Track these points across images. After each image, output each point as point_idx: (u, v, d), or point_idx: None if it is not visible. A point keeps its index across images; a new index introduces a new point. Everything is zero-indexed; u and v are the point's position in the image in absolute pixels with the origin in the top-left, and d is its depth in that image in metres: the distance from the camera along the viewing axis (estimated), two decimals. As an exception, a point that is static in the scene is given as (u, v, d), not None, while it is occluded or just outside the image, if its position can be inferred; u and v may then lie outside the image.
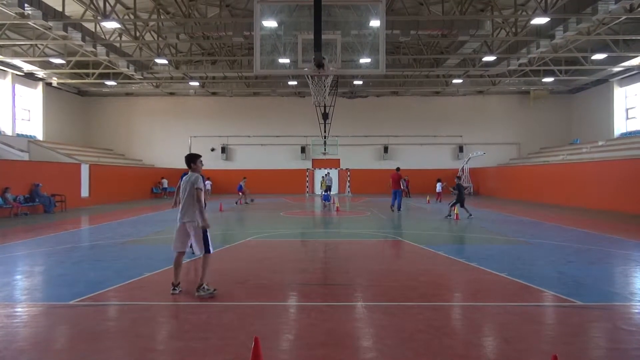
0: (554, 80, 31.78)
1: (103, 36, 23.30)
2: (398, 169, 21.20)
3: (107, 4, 19.51)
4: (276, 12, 15.73)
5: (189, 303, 6.01)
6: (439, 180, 28.41)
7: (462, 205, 17.26)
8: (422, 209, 21.52)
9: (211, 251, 6.37)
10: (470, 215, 17.08)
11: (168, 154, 37.44)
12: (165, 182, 32.80)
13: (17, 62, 26.60)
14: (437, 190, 28.03)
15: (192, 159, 6.68)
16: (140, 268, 7.86)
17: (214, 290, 6.17)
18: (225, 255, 9.52)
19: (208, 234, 6.33)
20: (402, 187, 20.13)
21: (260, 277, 7.32)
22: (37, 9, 18.06)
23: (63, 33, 20.07)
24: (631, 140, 26.20)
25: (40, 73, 29.15)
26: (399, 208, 19.56)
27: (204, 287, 6.13)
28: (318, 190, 34.87)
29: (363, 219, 17.26)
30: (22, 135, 28.95)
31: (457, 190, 17.54)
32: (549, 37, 21.53)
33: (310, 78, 18.95)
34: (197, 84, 33.12)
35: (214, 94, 37.40)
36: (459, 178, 18.67)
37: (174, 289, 6.24)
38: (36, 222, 16.14)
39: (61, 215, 18.86)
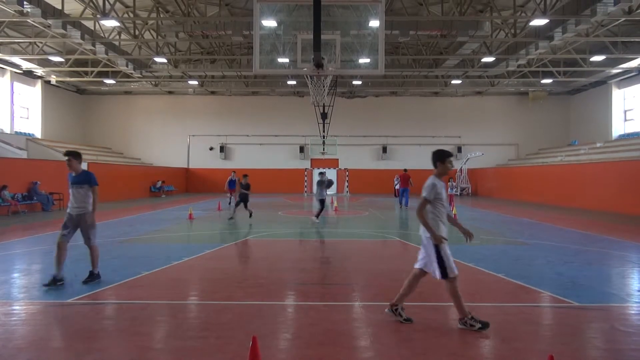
0: (553, 81, 31.85)
1: (102, 34, 23.28)
2: (406, 170, 23.66)
3: (106, 3, 19.50)
4: (275, 11, 15.71)
5: (187, 302, 6.02)
6: (450, 180, 25.39)
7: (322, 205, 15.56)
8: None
9: (449, 275, 4.85)
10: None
11: (166, 153, 37.44)
12: (159, 183, 32.55)
13: (15, 59, 26.58)
14: (449, 192, 24.76)
15: (439, 157, 5.14)
16: (138, 267, 7.86)
17: (482, 326, 4.79)
18: (223, 255, 9.53)
19: (442, 252, 4.87)
20: (409, 186, 22.34)
21: (258, 276, 7.32)
22: (36, 6, 18.05)
23: (62, 31, 20.05)
24: (629, 141, 26.27)
25: (39, 71, 29.11)
26: (406, 204, 21.82)
27: (467, 321, 4.86)
28: (315, 189, 34.90)
29: (361, 218, 17.28)
30: (21, 133, 28.89)
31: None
32: (548, 39, 21.59)
33: (309, 78, 18.97)
34: (196, 82, 33.11)
35: (213, 93, 37.38)
36: (323, 174, 16.19)
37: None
38: (34, 220, 16.12)
39: (59, 214, 18.82)
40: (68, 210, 6.94)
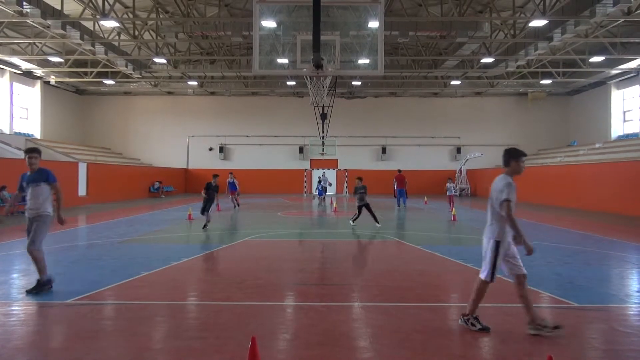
0: (552, 82, 31.88)
1: (102, 35, 23.27)
2: (400, 170, 24.17)
3: (105, 3, 19.48)
4: (275, 12, 15.71)
5: (186, 303, 6.02)
6: (449, 180, 21.76)
7: (369, 210, 14.77)
8: (420, 210, 21.56)
9: (493, 279, 4.77)
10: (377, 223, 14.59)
11: (166, 153, 37.42)
12: (157, 184, 32.44)
13: (15, 60, 26.55)
14: (449, 194, 20.50)
15: (513, 155, 4.89)
16: (137, 267, 7.86)
17: (482, 328, 4.74)
18: (222, 255, 9.53)
19: (500, 255, 4.73)
20: (404, 186, 22.88)
21: (257, 277, 7.32)
22: (35, 7, 18.02)
23: (61, 31, 20.03)
24: (628, 142, 26.30)
25: (39, 71, 29.09)
26: (404, 203, 22.41)
27: (470, 319, 4.81)
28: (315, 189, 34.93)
29: (360, 219, 17.25)
30: (20, 133, 28.87)
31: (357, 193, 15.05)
32: (547, 40, 21.60)
33: (308, 78, 18.96)
34: (195, 83, 33.10)
35: (212, 93, 37.38)
36: (360, 179, 15.53)
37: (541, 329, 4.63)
38: (33, 220, 16.08)
39: (58, 214, 18.78)
40: (26, 214, 6.35)
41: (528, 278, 7.01)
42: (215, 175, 14.58)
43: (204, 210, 13.61)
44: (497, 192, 4.78)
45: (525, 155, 4.99)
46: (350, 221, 14.83)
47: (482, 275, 4.81)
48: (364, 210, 14.81)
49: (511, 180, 4.77)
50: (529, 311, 4.69)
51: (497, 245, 4.72)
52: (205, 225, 13.39)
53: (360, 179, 15.46)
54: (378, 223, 14.44)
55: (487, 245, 4.81)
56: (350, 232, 13.41)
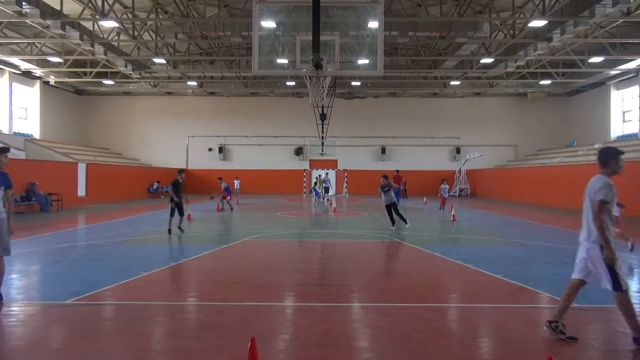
0: (551, 82, 31.89)
1: (101, 35, 23.25)
2: (398, 171, 25.04)
3: (105, 3, 19.45)
4: (275, 12, 15.69)
5: (186, 303, 6.02)
6: (444, 181, 21.33)
7: (396, 212, 14.28)
8: (419, 210, 21.55)
9: (622, 287, 4.30)
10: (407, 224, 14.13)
11: (165, 154, 37.40)
12: (155, 185, 32.37)
13: (14, 60, 26.53)
14: (443, 195, 20.44)
15: (613, 154, 4.70)
16: (137, 268, 7.85)
17: (570, 337, 4.50)
18: (222, 256, 9.52)
19: (616, 267, 4.33)
20: (401, 187, 23.78)
21: (257, 277, 7.32)
22: (35, 7, 17.99)
23: (61, 32, 20.00)
24: (627, 142, 26.30)
25: (38, 71, 29.07)
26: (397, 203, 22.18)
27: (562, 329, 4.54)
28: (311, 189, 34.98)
29: (360, 219, 17.29)
30: (19, 133, 28.83)
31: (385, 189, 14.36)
32: (547, 40, 21.60)
33: (308, 79, 18.92)
34: (195, 83, 33.09)
35: (211, 93, 37.37)
36: (386, 177, 14.76)
37: None
38: (32, 221, 16.08)
39: (57, 215, 18.80)
40: None
41: (528, 279, 7.00)
42: (181, 171, 12.86)
43: (173, 212, 12.39)
44: (594, 192, 4.44)
45: (623, 153, 4.68)
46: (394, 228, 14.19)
47: (610, 288, 4.34)
48: (386, 210, 14.35)
49: (610, 181, 4.46)
50: (562, 312, 4.60)
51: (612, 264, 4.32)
52: (179, 227, 12.47)
53: (385, 177, 14.73)
54: (393, 226, 14.06)
55: (588, 253, 4.46)
56: (350, 232, 13.41)
